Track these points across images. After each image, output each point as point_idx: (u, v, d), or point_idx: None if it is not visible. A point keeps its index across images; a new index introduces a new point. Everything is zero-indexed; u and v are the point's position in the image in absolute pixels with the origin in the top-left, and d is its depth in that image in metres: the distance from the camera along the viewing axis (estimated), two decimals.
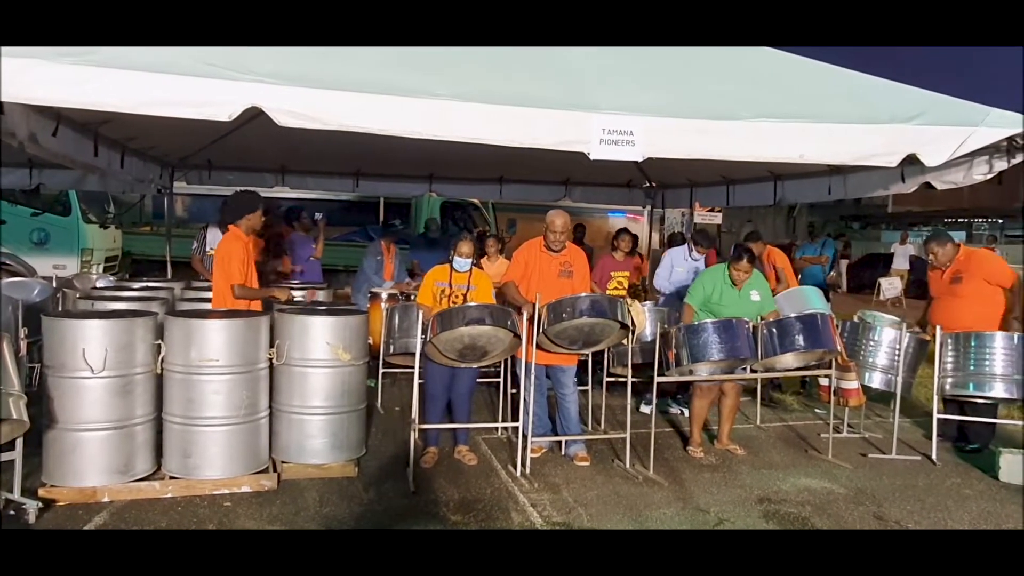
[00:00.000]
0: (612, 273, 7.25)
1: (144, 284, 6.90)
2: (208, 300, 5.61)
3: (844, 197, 7.57)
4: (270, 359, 4.63)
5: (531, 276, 5.28)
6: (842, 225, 31.01)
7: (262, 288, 5.20)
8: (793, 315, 5.42)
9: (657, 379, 5.17)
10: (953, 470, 5.37)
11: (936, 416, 5.59)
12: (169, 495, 4.33)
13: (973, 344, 5.48)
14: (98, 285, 7.27)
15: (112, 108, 3.74)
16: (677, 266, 6.96)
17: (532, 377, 5.03)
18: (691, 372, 5.33)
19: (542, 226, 5.35)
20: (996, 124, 4.96)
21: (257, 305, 5.08)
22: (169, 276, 9.14)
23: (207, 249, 7.35)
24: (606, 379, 5.97)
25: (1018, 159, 5.47)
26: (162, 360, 4.39)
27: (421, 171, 9.63)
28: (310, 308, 5.42)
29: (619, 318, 4.95)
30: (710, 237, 7.03)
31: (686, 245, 7.24)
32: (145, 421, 4.39)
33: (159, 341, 4.39)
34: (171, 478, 4.41)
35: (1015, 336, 5.45)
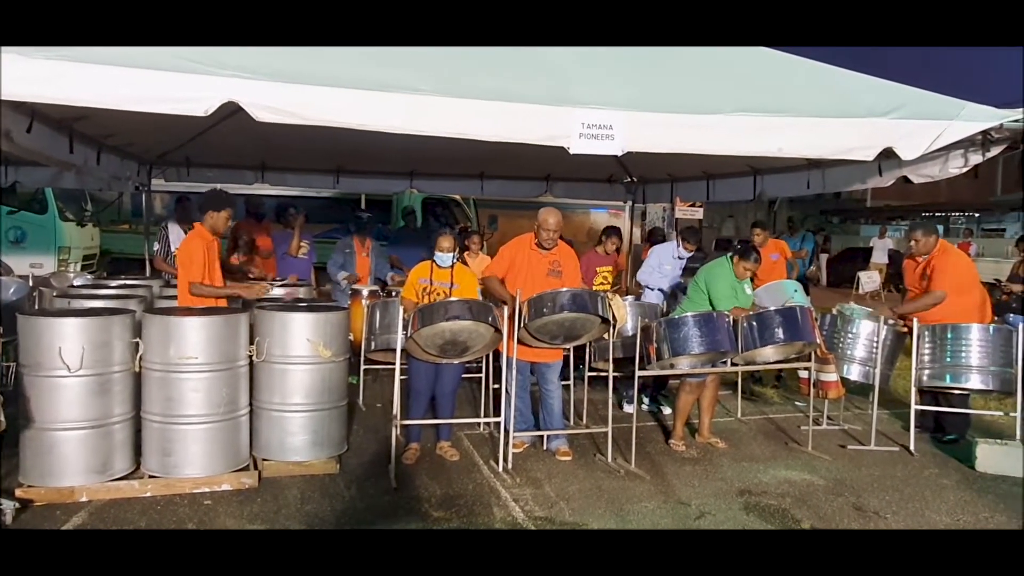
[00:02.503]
0: (597, 268, 7.26)
1: (122, 282, 6.82)
2: None
3: (823, 191, 7.63)
4: (250, 356, 4.60)
5: (518, 273, 5.24)
6: (822, 220, 31.26)
7: (226, 286, 5.09)
8: (773, 308, 5.46)
9: (638, 373, 5.19)
10: (931, 461, 5.43)
11: (914, 408, 5.66)
12: (148, 494, 4.29)
13: (950, 336, 5.54)
14: (75, 283, 7.19)
15: (87, 104, 3.71)
16: (665, 263, 6.96)
17: (514, 372, 5.02)
18: (672, 366, 5.36)
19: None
20: (971, 118, 5.01)
21: (223, 302, 5.02)
22: (148, 274, 9.05)
23: (171, 249, 7.29)
24: (588, 374, 5.99)
25: (992, 153, 5.53)
26: (140, 358, 4.35)
27: (402, 167, 9.59)
28: (290, 304, 5.38)
29: (600, 313, 4.96)
30: (697, 233, 7.06)
31: (673, 242, 7.24)
32: (123, 420, 4.35)
33: (137, 339, 4.35)
34: (150, 477, 4.38)
35: (990, 328, 5.54)
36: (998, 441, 5.30)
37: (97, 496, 4.21)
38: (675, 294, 6.81)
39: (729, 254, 5.59)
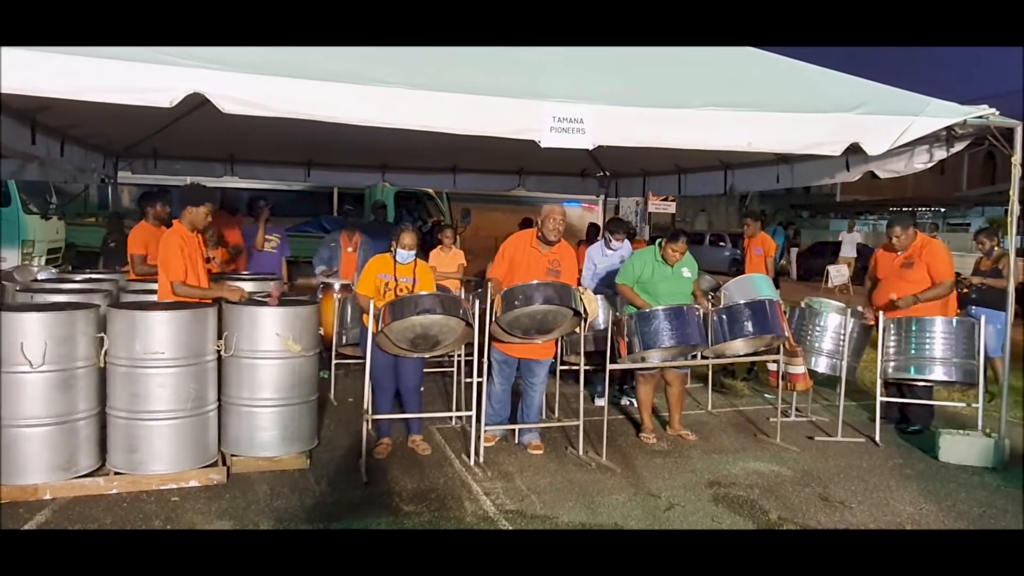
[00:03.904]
0: None
1: (87, 276, 6.70)
2: (154, 292, 5.48)
3: (792, 185, 7.74)
4: (218, 351, 4.55)
5: (516, 271, 5.20)
6: (792, 214, 31.62)
7: (210, 287, 4.98)
8: (742, 302, 5.51)
9: (610, 367, 5.21)
10: (895, 451, 5.52)
11: (879, 399, 5.75)
12: (114, 491, 4.23)
13: (914, 328, 5.63)
14: (39, 277, 7.04)
15: (48, 94, 3.62)
16: (598, 263, 6.91)
17: (485, 365, 5.02)
18: (643, 359, 5.39)
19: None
20: (935, 114, 5.10)
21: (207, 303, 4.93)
22: (100, 266, 8.88)
23: None
24: (559, 367, 6.00)
25: (956, 148, 5.64)
26: (105, 353, 4.28)
27: (374, 161, 9.55)
28: (259, 299, 5.32)
29: (571, 305, 4.97)
30: (626, 224, 6.97)
31: (600, 240, 7.18)
32: (88, 416, 4.28)
33: (102, 334, 4.28)
34: (116, 474, 4.32)
35: (954, 320, 5.64)
36: (960, 432, 5.40)
37: (61, 494, 4.15)
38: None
39: (660, 240, 5.63)
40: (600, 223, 9.93)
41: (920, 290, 5.72)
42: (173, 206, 6.75)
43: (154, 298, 5.09)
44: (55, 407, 4.13)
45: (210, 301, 4.79)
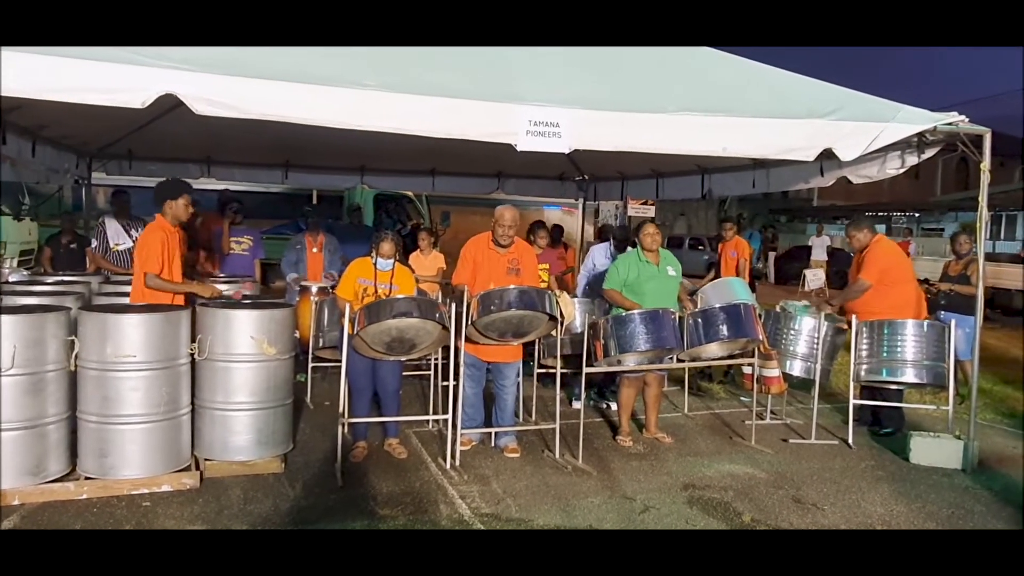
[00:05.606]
0: None
1: (59, 278, 6.62)
2: (127, 295, 5.42)
3: (768, 190, 7.80)
4: (191, 354, 4.51)
5: (479, 273, 5.22)
6: (771, 218, 31.84)
7: (184, 282, 5.01)
8: (718, 305, 5.54)
9: (586, 370, 5.23)
10: (868, 453, 5.59)
11: (852, 402, 5.81)
12: (84, 496, 4.18)
13: (886, 332, 5.70)
14: (10, 279, 6.94)
15: (17, 94, 3.57)
16: (599, 264, 6.97)
17: (462, 368, 5.01)
18: (619, 363, 5.41)
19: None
20: (907, 120, 5.17)
21: (180, 299, 4.92)
22: (33, 264, 8.77)
23: (109, 244, 7.15)
24: (537, 370, 6.01)
25: (928, 154, 5.72)
26: (76, 357, 4.23)
27: (353, 163, 9.50)
28: (233, 301, 5.29)
29: (547, 310, 4.98)
30: (631, 239, 7.05)
31: (609, 242, 7.26)
32: (58, 420, 4.23)
33: (73, 337, 4.23)
34: (87, 479, 4.27)
35: (924, 324, 5.71)
36: (931, 434, 5.48)
37: (30, 499, 4.09)
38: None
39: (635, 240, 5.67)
40: (565, 226, 9.91)
41: (882, 292, 5.80)
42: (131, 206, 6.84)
43: (127, 300, 5.05)
44: (24, 411, 4.08)
45: (183, 300, 4.77)
